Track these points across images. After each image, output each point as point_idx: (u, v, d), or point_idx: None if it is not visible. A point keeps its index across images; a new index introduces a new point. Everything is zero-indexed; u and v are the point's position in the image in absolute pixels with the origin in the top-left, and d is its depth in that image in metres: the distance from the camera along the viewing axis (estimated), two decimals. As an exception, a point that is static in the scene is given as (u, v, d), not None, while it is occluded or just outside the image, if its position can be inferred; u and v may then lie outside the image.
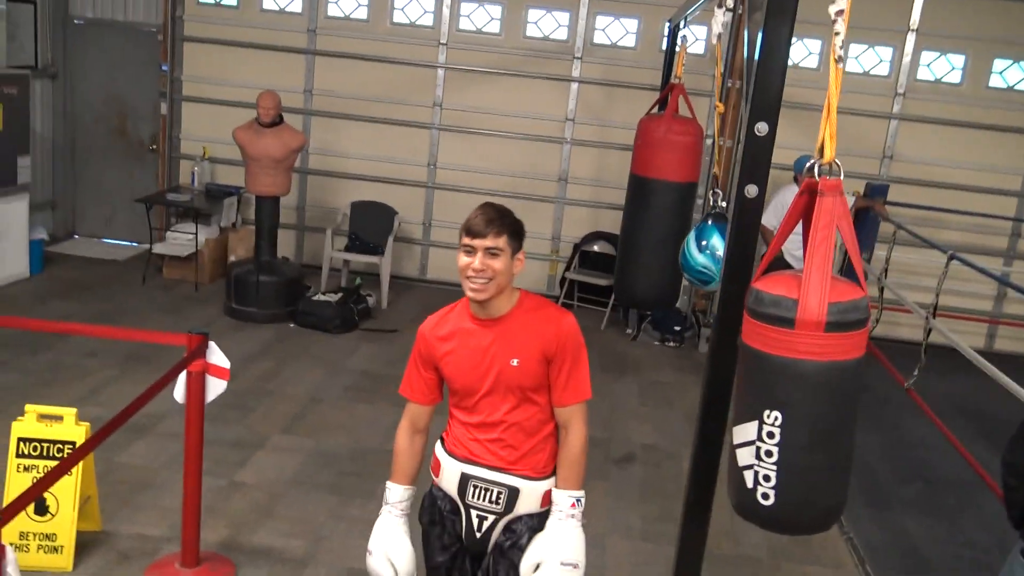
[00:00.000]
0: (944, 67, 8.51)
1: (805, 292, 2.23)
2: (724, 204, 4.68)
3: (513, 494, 2.73)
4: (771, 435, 2.28)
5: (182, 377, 3.77)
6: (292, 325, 7.32)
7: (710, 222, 4.32)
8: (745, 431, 2.33)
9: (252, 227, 7.76)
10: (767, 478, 2.30)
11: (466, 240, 2.60)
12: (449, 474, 2.79)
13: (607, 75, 8.64)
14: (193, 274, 8.06)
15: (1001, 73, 8.45)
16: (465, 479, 2.76)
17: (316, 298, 7.44)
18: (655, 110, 6.40)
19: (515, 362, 2.66)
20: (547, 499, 2.76)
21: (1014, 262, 8.62)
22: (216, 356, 3.81)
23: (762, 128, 2.60)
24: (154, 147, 9.03)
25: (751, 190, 2.64)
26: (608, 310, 8.33)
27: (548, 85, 8.74)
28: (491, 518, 2.76)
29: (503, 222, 2.62)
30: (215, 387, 3.84)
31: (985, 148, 8.48)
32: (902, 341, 7.89)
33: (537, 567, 2.67)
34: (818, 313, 2.20)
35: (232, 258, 8.32)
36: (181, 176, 9.04)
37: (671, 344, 8.10)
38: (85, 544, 4.05)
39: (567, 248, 8.80)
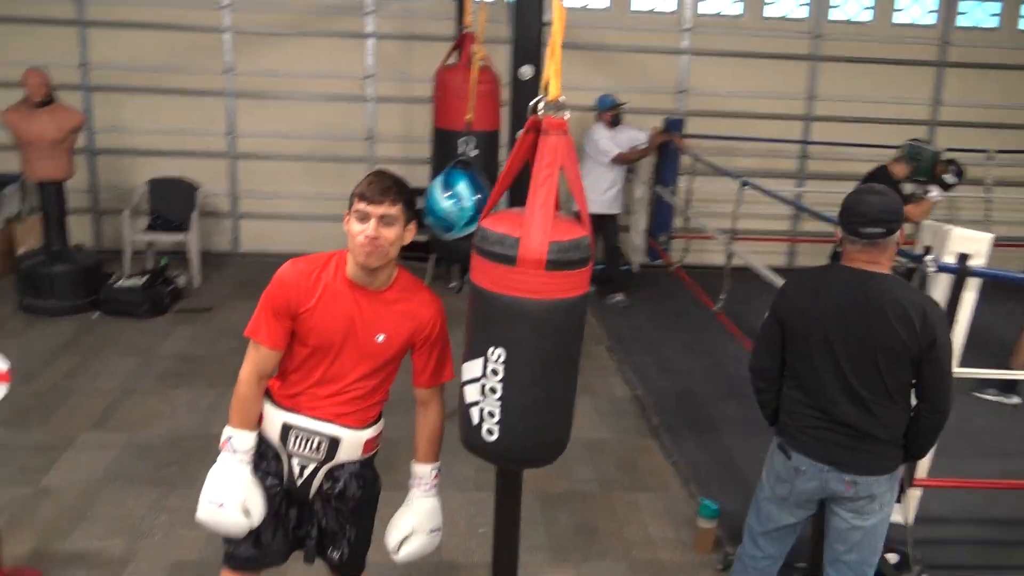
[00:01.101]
0: (723, 1, 8.86)
1: (527, 231, 2.25)
2: (476, 151, 4.83)
3: (334, 443, 2.73)
4: (495, 372, 2.33)
5: (-43, 385, 3.45)
6: (95, 315, 6.88)
7: (457, 168, 4.29)
8: (472, 368, 2.38)
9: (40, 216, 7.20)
10: (492, 414, 2.36)
11: (359, 206, 2.52)
12: (271, 423, 2.75)
13: (403, 28, 8.49)
14: (-22, 272, 7.45)
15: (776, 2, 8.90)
16: (286, 428, 2.73)
17: (120, 284, 7.01)
18: (451, 61, 6.35)
19: (381, 338, 2.67)
20: (368, 447, 2.79)
21: (806, 182, 9.15)
22: (-6, 359, 3.50)
23: (526, 72, 2.57)
24: (-85, 138, 8.21)
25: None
26: (430, 266, 8.28)
27: (343, 42, 8.52)
28: (312, 465, 2.75)
29: (399, 190, 2.55)
30: (-3, 391, 3.53)
31: (769, 76, 8.92)
32: (712, 267, 8.26)
33: (406, 539, 2.81)
34: (539, 252, 2.23)
35: (21, 250, 7.72)
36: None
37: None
38: None
39: (382, 207, 8.67)
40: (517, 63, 2.59)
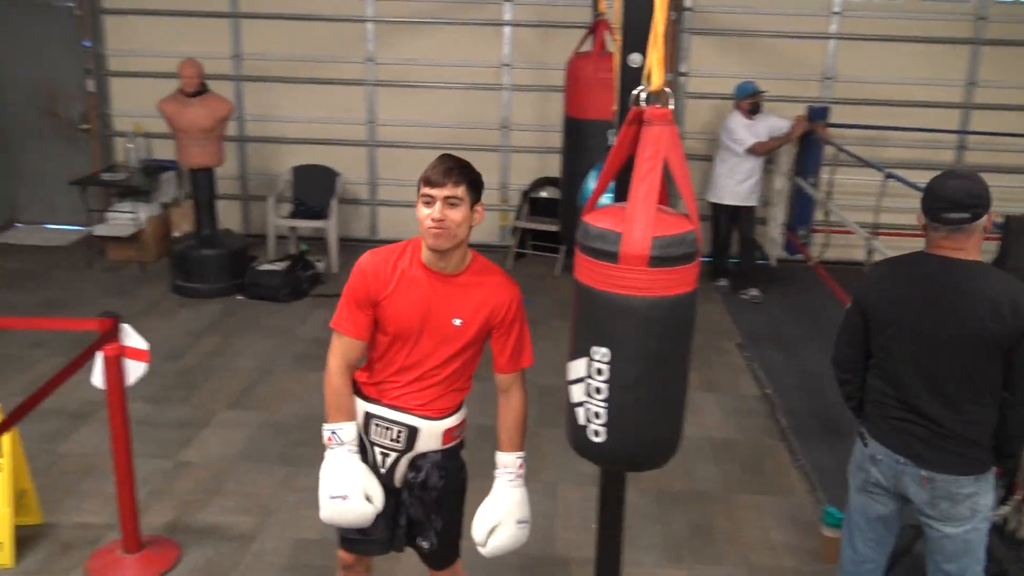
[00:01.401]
0: (878, -17, 8.42)
1: (629, 225, 2.18)
2: None
3: (412, 433, 2.79)
4: (600, 371, 2.26)
5: (99, 362, 3.67)
6: (239, 297, 7.21)
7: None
8: (576, 368, 2.31)
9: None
10: (597, 415, 2.29)
11: (425, 190, 2.58)
12: (356, 412, 2.82)
13: (540, 16, 8.47)
14: (137, 254, 7.92)
15: (936, -17, 8.38)
16: (368, 418, 2.82)
17: (262, 268, 7.32)
18: (584, 48, 6.29)
19: (458, 322, 2.71)
20: (447, 437, 2.85)
21: (962, 174, 8.59)
22: (132, 338, 3.71)
23: (635, 60, 2.49)
24: (86, 127, 8.80)
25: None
26: (561, 255, 8.27)
27: (481, 31, 8.57)
28: (393, 455, 2.83)
29: (461, 172, 2.60)
30: (134, 370, 3.74)
31: (925, 62, 8.40)
32: (853, 263, 7.89)
33: (493, 529, 2.77)
34: (641, 247, 2.15)
35: (176, 234, 8.17)
36: (118, 154, 8.83)
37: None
38: (26, 538, 4.00)
39: (516, 197, 8.72)
40: (627, 50, 2.53)
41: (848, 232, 6.88)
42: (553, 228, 8.16)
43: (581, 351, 2.30)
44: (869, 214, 6.29)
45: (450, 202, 2.56)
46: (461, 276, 2.70)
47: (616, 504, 2.88)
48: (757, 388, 5.92)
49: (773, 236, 7.96)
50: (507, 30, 8.55)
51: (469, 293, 2.70)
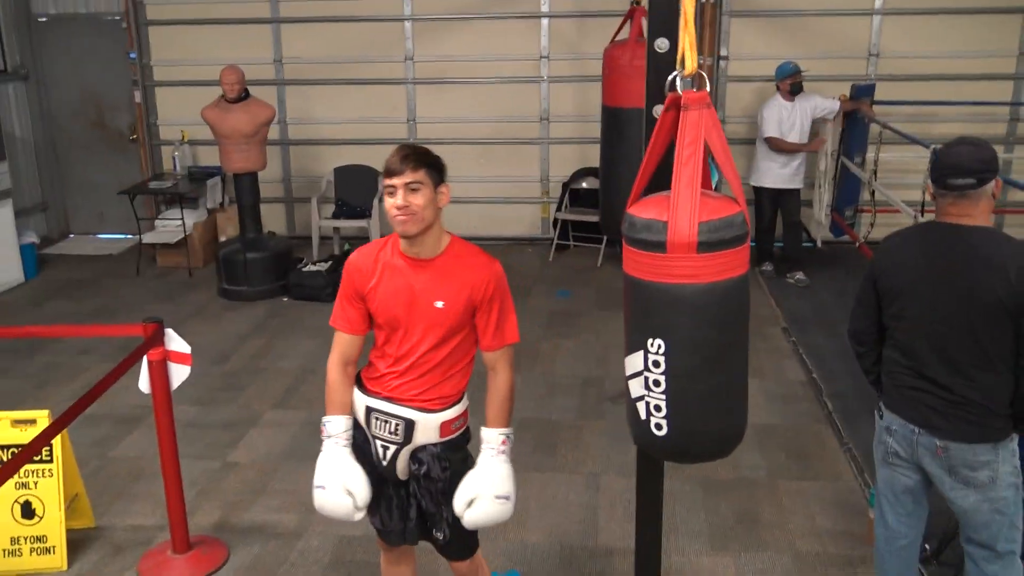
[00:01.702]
0: (922, -46, 8.21)
1: (674, 213, 2.14)
2: None
3: (409, 425, 2.83)
4: (657, 364, 2.22)
5: (144, 367, 3.74)
6: (285, 299, 7.31)
7: None
8: (634, 362, 2.27)
9: (239, 205, 7.72)
10: (658, 408, 2.25)
11: (386, 181, 2.66)
12: (358, 407, 2.90)
13: (578, 5, 8.43)
14: (186, 260, 8.07)
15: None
16: (368, 411, 2.87)
17: (306, 269, 7.41)
18: (621, 36, 6.25)
19: (440, 304, 2.75)
20: (445, 429, 2.87)
21: (1015, 147, 8.37)
22: (175, 342, 3.77)
23: (663, 44, 2.48)
24: (134, 136, 8.99)
25: (658, 110, 2.53)
26: (603, 246, 8.23)
27: (518, 24, 8.56)
28: (393, 448, 2.86)
29: (418, 157, 2.67)
30: (179, 373, 3.80)
31: (974, 33, 8.18)
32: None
33: (471, 502, 2.80)
34: (689, 234, 2.12)
35: (222, 238, 8.31)
36: (165, 162, 9.01)
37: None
38: (79, 542, 4.09)
39: (558, 189, 8.70)
40: (653, 35, 2.50)
41: (895, 211, 6.73)
42: (595, 219, 8.11)
43: (637, 344, 2.26)
44: (917, 192, 6.15)
45: (411, 187, 2.62)
46: (438, 259, 2.76)
47: (654, 492, 2.86)
48: (803, 373, 5.82)
49: (818, 218, 7.83)
50: (544, 21, 8.53)
51: (448, 275, 2.75)
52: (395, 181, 2.63)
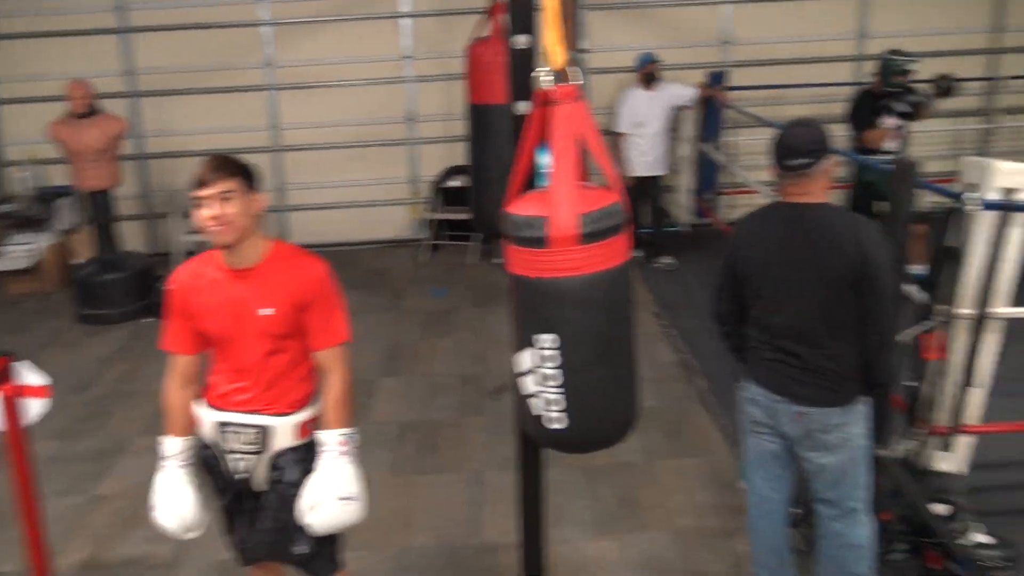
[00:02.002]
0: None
1: (553, 208, 2.16)
2: None
3: (266, 432, 2.79)
4: (549, 359, 2.23)
5: (-7, 403, 3.52)
6: (148, 319, 7.02)
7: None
8: (524, 359, 2.28)
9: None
10: (554, 402, 2.26)
11: (197, 193, 2.61)
12: (208, 424, 2.85)
13: (440, 4, 8.40)
14: (39, 285, 7.68)
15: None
16: (221, 427, 2.83)
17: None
18: (483, 33, 6.24)
19: (267, 311, 2.71)
20: (303, 430, 2.83)
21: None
22: (29, 376, 3.56)
23: (521, 41, 2.53)
24: (-25, 160, 8.50)
25: (523, 107, 2.55)
26: (477, 244, 8.23)
27: (380, 25, 8.49)
28: (251, 458, 2.82)
29: (227, 166, 2.64)
30: (35, 407, 3.59)
31: (817, 18, 8.56)
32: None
33: (313, 507, 2.75)
34: (570, 226, 2.15)
35: (79, 261, 7.93)
36: (12, 185, 8.53)
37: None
38: (-70, 596, 3.85)
39: (428, 188, 8.65)
40: (513, 31, 2.53)
41: (753, 192, 6.97)
42: (466, 216, 8.12)
43: (527, 341, 2.28)
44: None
45: (224, 196, 2.59)
46: (260, 266, 2.72)
47: (535, 485, 2.90)
48: (674, 355, 5.97)
49: (682, 202, 8.04)
50: (407, 21, 8.47)
51: (271, 281, 2.71)
52: (205, 192, 2.58)
